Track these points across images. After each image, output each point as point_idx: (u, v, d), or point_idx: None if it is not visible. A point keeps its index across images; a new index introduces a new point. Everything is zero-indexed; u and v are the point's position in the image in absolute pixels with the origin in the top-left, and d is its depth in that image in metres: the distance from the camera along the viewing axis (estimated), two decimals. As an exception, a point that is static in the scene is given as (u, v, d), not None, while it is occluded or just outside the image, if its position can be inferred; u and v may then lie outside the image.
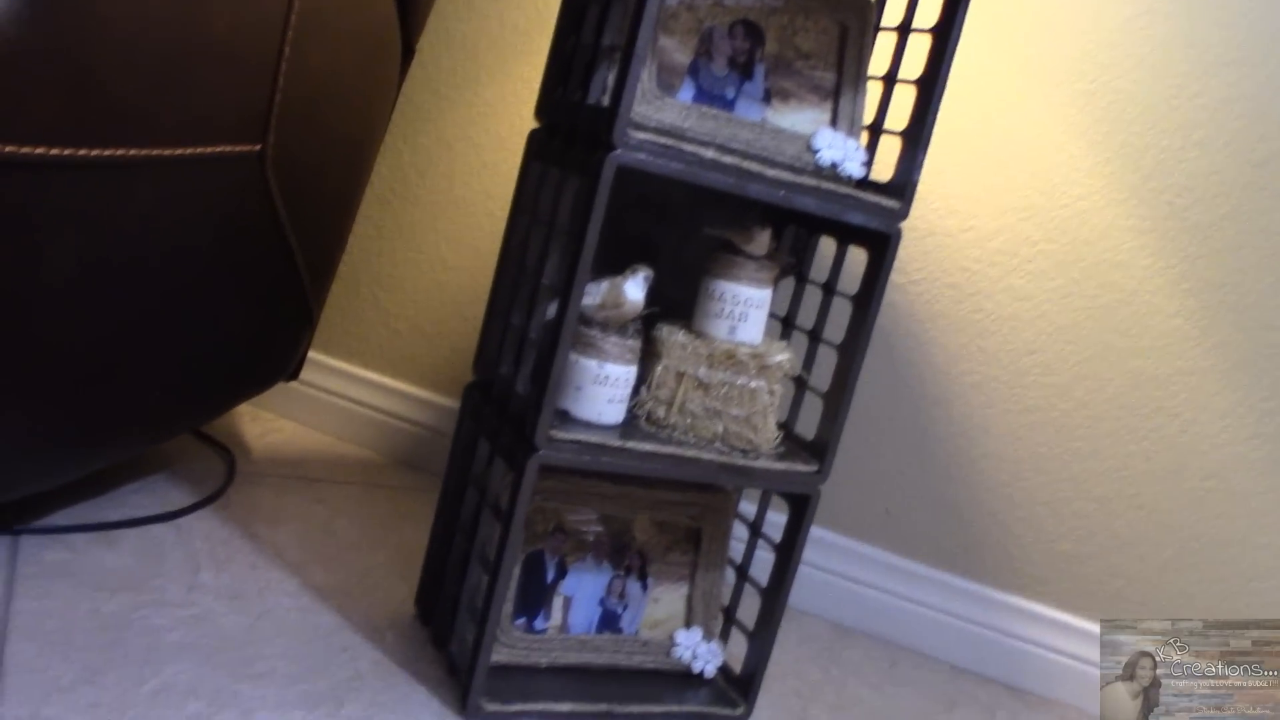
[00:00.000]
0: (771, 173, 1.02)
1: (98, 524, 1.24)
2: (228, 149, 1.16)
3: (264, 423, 1.67)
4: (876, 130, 1.14)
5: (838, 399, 1.11)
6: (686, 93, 1.05)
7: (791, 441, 1.17)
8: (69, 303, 1.06)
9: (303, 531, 1.35)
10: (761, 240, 1.09)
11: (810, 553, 1.47)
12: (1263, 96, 1.30)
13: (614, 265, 1.07)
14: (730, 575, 1.23)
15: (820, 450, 1.13)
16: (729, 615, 1.22)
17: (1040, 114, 1.36)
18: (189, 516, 1.32)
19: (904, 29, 1.12)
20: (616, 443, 1.04)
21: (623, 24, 1.01)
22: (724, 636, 1.22)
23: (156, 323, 1.18)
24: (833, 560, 1.47)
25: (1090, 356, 1.38)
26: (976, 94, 1.37)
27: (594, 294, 1.06)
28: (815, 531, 1.47)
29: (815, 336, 1.16)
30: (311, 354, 1.64)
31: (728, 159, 1.00)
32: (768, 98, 1.09)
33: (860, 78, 1.12)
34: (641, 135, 0.97)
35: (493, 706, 1.07)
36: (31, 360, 1.06)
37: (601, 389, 1.06)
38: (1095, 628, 1.40)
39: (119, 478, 1.35)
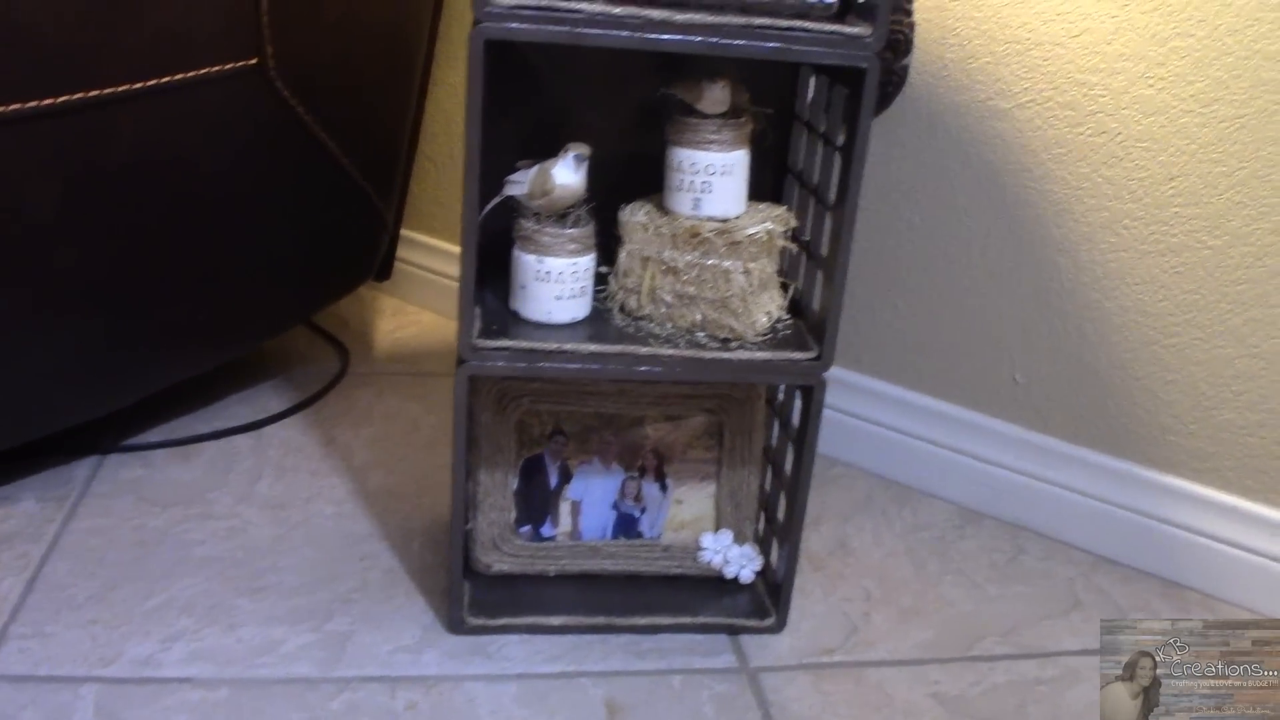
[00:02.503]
0: (682, 17, 0.87)
1: (179, 439, 1.30)
2: (216, 69, 1.15)
3: (404, 316, 1.69)
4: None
5: (832, 267, 0.96)
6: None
7: (804, 321, 1.03)
8: (75, 231, 1.10)
9: (384, 433, 1.36)
10: (714, 95, 0.95)
11: (931, 428, 1.31)
12: None
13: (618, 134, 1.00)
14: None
15: (819, 331, 0.98)
16: (769, 516, 1.11)
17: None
18: (275, 425, 1.35)
19: None
20: (552, 345, 0.95)
21: None
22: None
23: (195, 239, 1.21)
24: (957, 437, 1.30)
25: (1246, 178, 1.11)
26: None
27: (522, 181, 0.97)
28: (935, 405, 1.31)
29: (817, 195, 1.00)
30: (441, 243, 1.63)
31: (619, 9, 0.86)
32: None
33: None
34: (508, 1, 0.86)
35: (477, 620, 1.04)
36: (67, 284, 1.10)
37: (545, 285, 0.97)
38: (1269, 511, 1.16)
39: (229, 386, 1.42)
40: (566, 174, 0.95)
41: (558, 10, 0.87)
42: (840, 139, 0.95)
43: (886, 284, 1.30)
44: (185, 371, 1.30)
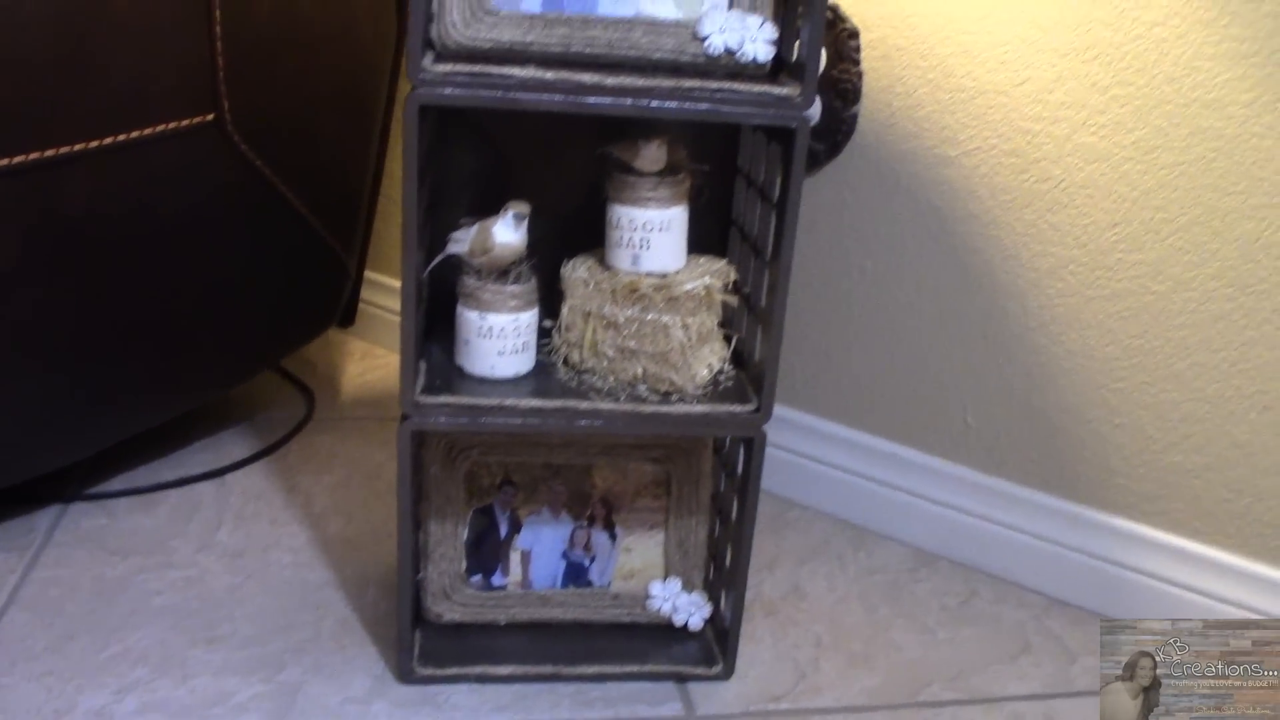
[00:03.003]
0: (613, 81, 0.89)
1: (142, 488, 1.32)
2: (173, 125, 1.16)
3: (371, 359, 1.71)
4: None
5: (770, 320, 0.98)
6: (533, 0, 0.94)
7: (745, 373, 1.04)
8: (34, 285, 1.12)
9: (345, 479, 1.38)
10: (650, 154, 0.97)
11: (886, 471, 1.32)
12: None
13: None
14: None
15: (759, 383, 1.00)
16: (718, 563, 1.13)
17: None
18: (238, 472, 1.37)
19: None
20: (494, 401, 0.97)
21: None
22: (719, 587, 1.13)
23: (155, 290, 1.23)
24: (911, 479, 1.31)
25: (1187, 224, 1.13)
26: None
27: (463, 240, 0.99)
28: (890, 448, 1.32)
29: (755, 249, 1.02)
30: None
31: (550, 74, 0.89)
32: (642, -15, 0.95)
33: (762, -61, 0.95)
34: (442, 69, 0.88)
35: (427, 670, 1.06)
36: (27, 336, 1.12)
37: (487, 341, 0.99)
38: (1217, 553, 1.17)
39: (194, 432, 1.43)
40: (506, 233, 0.97)
41: (490, 77, 0.89)
42: (775, 195, 0.97)
43: (840, 327, 1.32)
44: (148, 421, 1.32)
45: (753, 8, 0.95)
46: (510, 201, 0.98)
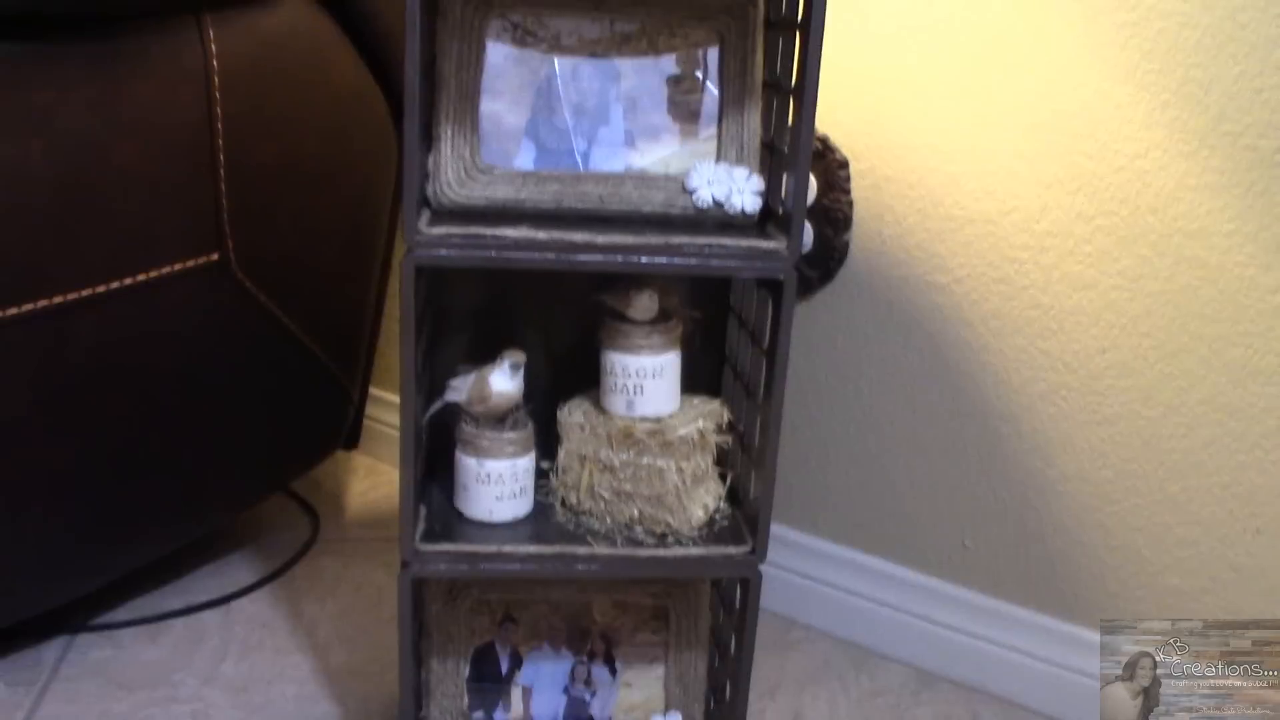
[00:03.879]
0: (604, 239, 0.92)
1: (147, 617, 1.34)
2: (179, 266, 1.20)
3: (376, 476, 1.73)
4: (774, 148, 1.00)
5: (763, 460, 1.00)
6: (525, 157, 0.97)
7: (741, 511, 1.06)
8: (40, 429, 1.14)
9: (350, 605, 1.39)
10: (643, 304, 0.99)
11: (887, 591, 1.34)
12: (1364, -9, 1.02)
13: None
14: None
15: (754, 523, 1.02)
16: (718, 696, 1.14)
17: (1076, 59, 1.14)
18: (242, 599, 1.39)
19: (782, 25, 0.97)
20: (492, 548, 0.99)
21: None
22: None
23: (161, 427, 1.25)
24: (912, 600, 1.33)
25: (1175, 350, 1.15)
26: (997, 46, 1.17)
27: (460, 389, 1.01)
28: (889, 568, 1.34)
29: (748, 390, 1.05)
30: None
31: (543, 234, 0.92)
32: (630, 140, 0.98)
33: (747, 91, 0.99)
34: (437, 231, 0.91)
35: (429, 813, 1.06)
36: (33, 479, 1.15)
37: (485, 487, 1.01)
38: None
39: (200, 557, 1.45)
40: (503, 381, 1.00)
41: (484, 238, 0.92)
42: (766, 339, 0.99)
43: (837, 448, 1.34)
44: (155, 552, 1.34)
45: (739, 160, 0.98)
46: (506, 350, 1.00)
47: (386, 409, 1.72)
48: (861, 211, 1.27)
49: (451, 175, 0.95)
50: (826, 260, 1.28)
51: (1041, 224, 1.19)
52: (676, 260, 0.94)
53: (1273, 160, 1.08)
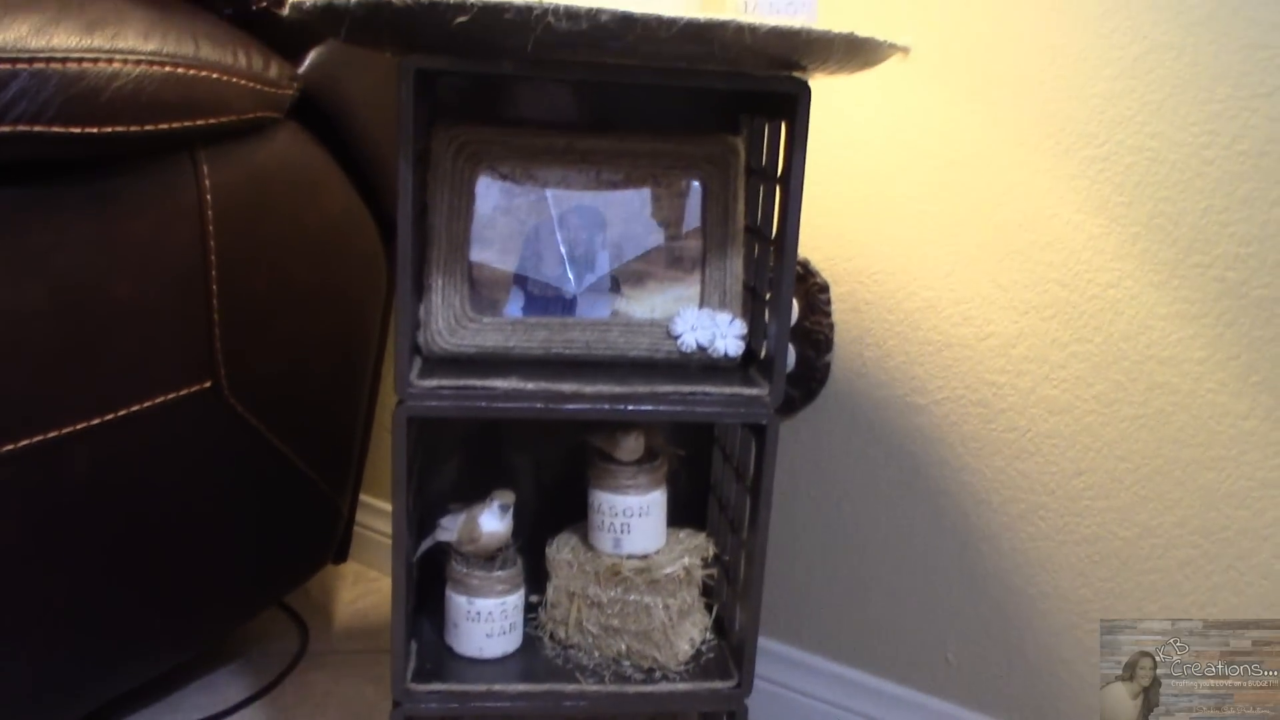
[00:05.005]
0: (590, 389, 0.95)
1: (136, 742, 1.34)
2: (172, 395, 1.22)
3: (365, 583, 1.75)
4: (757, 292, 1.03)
5: (747, 594, 1.02)
6: (515, 305, 1.00)
7: (727, 643, 1.09)
8: (32, 559, 1.16)
9: (336, 724, 1.40)
10: (629, 445, 1.02)
11: (870, 705, 1.36)
12: (1325, 130, 1.06)
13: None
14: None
15: (739, 655, 1.04)
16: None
17: (1050, 191, 1.18)
18: (232, 717, 1.40)
19: (763, 175, 1.01)
20: (482, 687, 1.01)
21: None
22: None
23: (152, 552, 1.27)
24: (895, 713, 1.35)
25: (1150, 474, 1.18)
26: (971, 178, 1.21)
27: (451, 528, 1.04)
28: (873, 682, 1.36)
29: (733, 526, 1.07)
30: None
31: (531, 385, 0.95)
32: (616, 286, 1.01)
33: (729, 238, 1.02)
34: (428, 383, 0.94)
35: None
36: (24, 608, 1.16)
37: (476, 625, 1.03)
38: (1197, 795, 1.20)
39: (191, 673, 1.46)
40: (492, 521, 1.02)
41: (474, 389, 0.95)
42: (750, 477, 1.02)
43: (820, 563, 1.36)
44: (148, 674, 1.35)
45: (722, 305, 1.01)
46: (495, 491, 1.03)
47: (375, 515, 1.73)
48: (842, 334, 1.31)
49: (442, 324, 0.98)
50: (809, 380, 1.31)
51: (1018, 349, 1.22)
52: (662, 408, 0.96)
53: (1240, 292, 1.11)
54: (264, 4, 1.23)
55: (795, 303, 1.31)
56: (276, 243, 1.30)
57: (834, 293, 1.31)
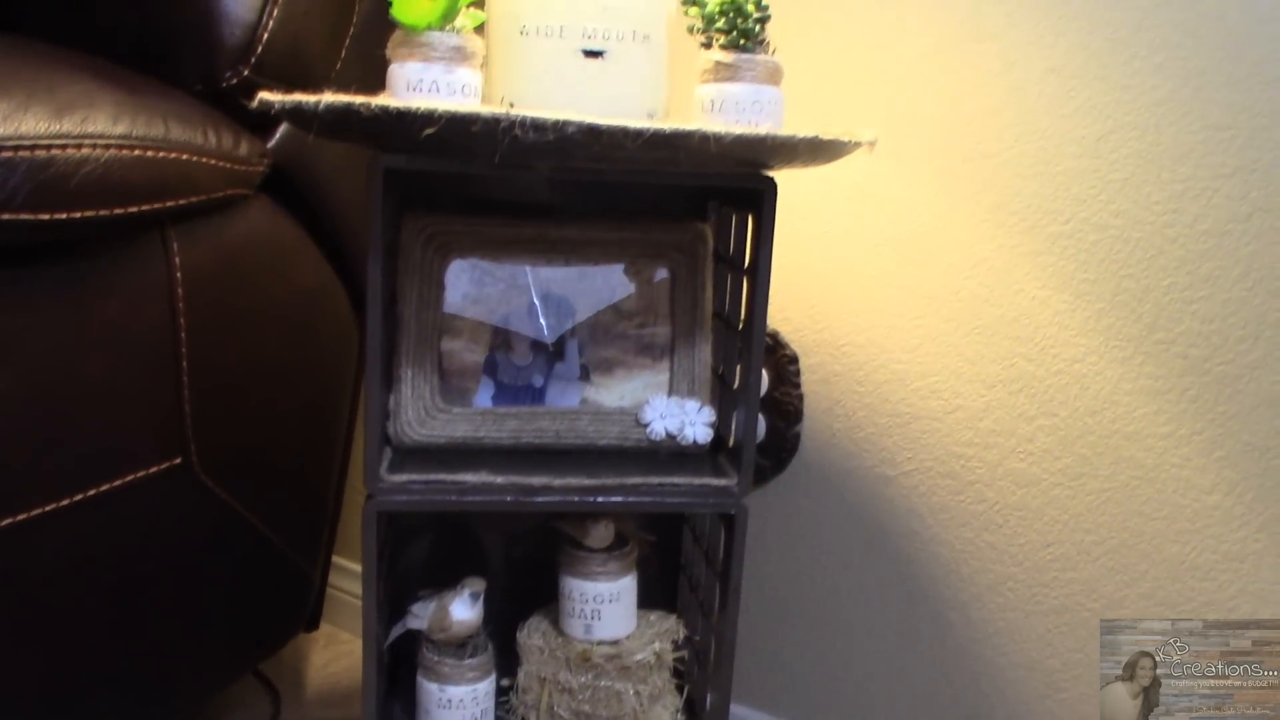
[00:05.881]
0: (560, 482, 0.95)
1: (108, 816, 1.33)
2: (142, 474, 1.21)
3: (337, 646, 1.74)
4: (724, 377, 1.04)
5: (718, 678, 1.03)
6: (485, 395, 1.01)
7: (699, 722, 1.09)
8: (2, 639, 1.15)
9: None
10: (599, 533, 1.03)
11: (845, 774, 1.36)
12: (1283, 209, 1.08)
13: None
14: None
15: (710, 742, 1.04)
16: None
17: (1015, 266, 1.19)
18: (203, 792, 1.39)
19: (730, 264, 1.02)
20: (453, 779, 1.01)
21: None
22: None
23: (122, 628, 1.26)
24: (870, 782, 1.35)
25: (1116, 546, 1.19)
26: (938, 253, 1.23)
27: (422, 616, 1.04)
28: (846, 751, 1.36)
29: (704, 611, 1.08)
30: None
31: (500, 479, 0.95)
32: (586, 374, 1.02)
33: (697, 325, 1.03)
34: (398, 478, 0.94)
35: None
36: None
37: (447, 712, 1.04)
38: None
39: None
40: (463, 610, 1.02)
41: (444, 484, 0.95)
42: (719, 564, 1.03)
43: (790, 631, 1.37)
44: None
45: (691, 392, 1.02)
46: (466, 579, 1.03)
47: (346, 577, 1.73)
48: (812, 405, 1.32)
49: (412, 415, 0.98)
50: (779, 450, 1.32)
51: (985, 422, 1.23)
52: (632, 499, 0.97)
53: (1203, 369, 1.13)
54: (234, 81, 1.23)
55: (765, 374, 1.32)
56: (247, 317, 1.31)
57: (803, 364, 1.32)
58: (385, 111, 0.78)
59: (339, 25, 1.34)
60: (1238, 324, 1.11)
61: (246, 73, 1.23)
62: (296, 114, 0.83)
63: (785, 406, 1.31)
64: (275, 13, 1.25)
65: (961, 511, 1.26)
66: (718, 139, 0.80)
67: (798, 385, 1.31)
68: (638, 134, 0.78)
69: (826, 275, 1.30)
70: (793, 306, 1.32)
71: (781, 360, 1.31)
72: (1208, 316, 1.12)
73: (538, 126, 0.77)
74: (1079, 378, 1.19)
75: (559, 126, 0.77)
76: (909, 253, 1.25)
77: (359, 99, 0.80)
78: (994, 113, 1.19)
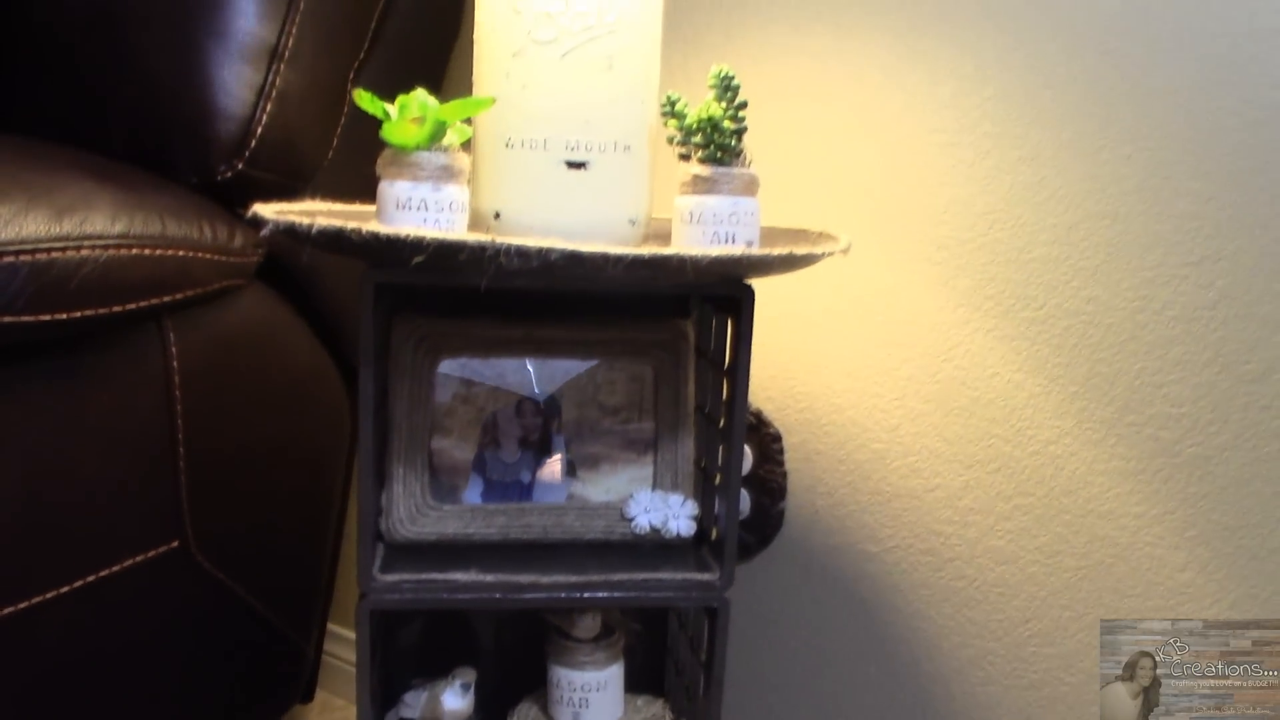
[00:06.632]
0: (548, 579, 0.99)
1: None
2: (140, 558, 1.25)
3: (331, 712, 1.77)
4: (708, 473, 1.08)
5: (704, 774, 1.06)
6: (474, 491, 1.04)
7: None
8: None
9: None
10: (586, 624, 1.06)
11: (832, 842, 1.39)
12: (1247, 296, 1.12)
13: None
14: None
15: (697, 828, 1.07)
16: None
17: (989, 351, 1.23)
18: None
19: (710, 361, 1.06)
20: None
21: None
22: None
23: (118, 709, 1.29)
24: None
25: (1093, 623, 1.23)
26: (916, 336, 1.27)
27: (414, 706, 1.07)
28: (834, 819, 1.40)
29: (689, 694, 1.11)
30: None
31: (490, 577, 0.98)
32: (572, 470, 1.06)
33: (680, 420, 1.07)
34: (390, 578, 0.98)
35: None
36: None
37: (440, 800, 1.06)
38: None
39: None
40: (454, 700, 1.06)
41: (435, 582, 0.99)
42: (703, 653, 1.06)
43: (776, 703, 1.41)
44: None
45: (674, 486, 1.06)
46: (457, 669, 1.07)
47: (340, 644, 1.76)
48: (795, 482, 1.35)
49: (404, 512, 1.02)
50: (763, 527, 1.35)
51: (964, 501, 1.27)
52: (617, 595, 1.01)
53: (1174, 450, 1.17)
54: (229, 174, 1.27)
55: (750, 452, 1.35)
56: (242, 401, 1.34)
57: (787, 442, 1.35)
58: (376, 237, 0.82)
59: (331, 114, 1.38)
60: (1207, 407, 1.15)
61: (241, 166, 1.27)
62: (290, 233, 0.87)
63: (770, 484, 1.35)
64: (269, 107, 1.29)
65: (942, 588, 1.30)
66: (694, 262, 0.84)
67: (781, 463, 1.35)
68: (618, 259, 0.82)
69: (807, 356, 1.33)
70: (775, 386, 1.35)
71: (766, 438, 1.35)
72: (1178, 400, 1.16)
73: (521, 254, 0.81)
74: (1054, 458, 1.23)
75: (542, 254, 0.81)
76: (888, 335, 1.29)
77: (351, 224, 0.83)
78: (967, 202, 1.23)
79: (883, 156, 1.28)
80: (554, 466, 1.06)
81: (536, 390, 1.05)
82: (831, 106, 1.31)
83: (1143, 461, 1.19)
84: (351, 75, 1.41)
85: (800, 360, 1.34)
